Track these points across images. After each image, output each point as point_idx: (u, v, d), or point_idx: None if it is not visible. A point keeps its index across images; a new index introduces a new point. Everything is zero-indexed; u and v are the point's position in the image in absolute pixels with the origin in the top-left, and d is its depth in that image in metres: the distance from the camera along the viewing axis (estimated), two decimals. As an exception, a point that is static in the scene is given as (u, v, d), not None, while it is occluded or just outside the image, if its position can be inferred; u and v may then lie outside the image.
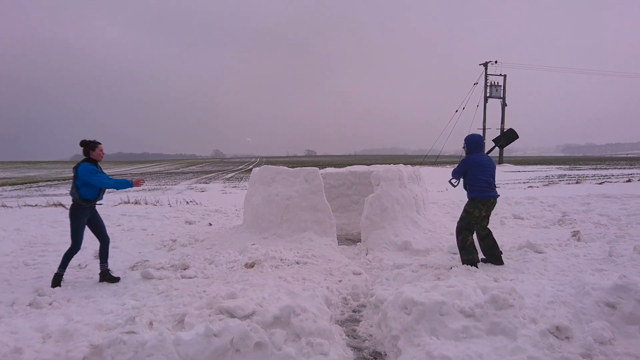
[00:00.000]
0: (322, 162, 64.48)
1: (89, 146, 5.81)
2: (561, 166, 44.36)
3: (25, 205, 14.34)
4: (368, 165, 11.52)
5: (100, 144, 5.84)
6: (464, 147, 6.50)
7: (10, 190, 24.16)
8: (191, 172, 45.68)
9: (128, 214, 11.90)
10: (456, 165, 6.60)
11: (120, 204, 14.08)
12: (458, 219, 6.41)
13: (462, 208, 6.39)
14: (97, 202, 5.97)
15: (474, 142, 6.41)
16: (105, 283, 5.88)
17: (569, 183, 20.84)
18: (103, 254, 6.03)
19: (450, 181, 6.75)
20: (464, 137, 6.54)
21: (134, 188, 6.13)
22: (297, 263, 6.62)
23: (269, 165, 9.08)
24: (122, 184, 5.78)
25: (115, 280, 5.94)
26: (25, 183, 31.38)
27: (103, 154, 5.89)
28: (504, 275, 5.57)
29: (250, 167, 53.50)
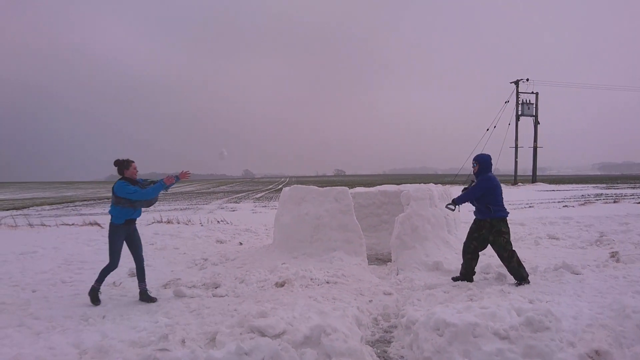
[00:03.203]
0: (351, 182, 64.43)
1: (122, 165, 5.98)
2: (598, 185, 43.20)
3: (62, 224, 14.77)
4: (397, 184, 11.47)
5: (133, 162, 6.00)
6: (474, 166, 6.57)
7: (48, 210, 24.94)
8: (222, 192, 46.28)
9: (161, 233, 12.13)
10: (468, 187, 6.58)
11: (153, 223, 14.37)
12: (500, 246, 6.33)
13: (502, 242, 6.34)
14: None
15: (488, 162, 6.53)
16: (138, 301, 5.98)
17: (606, 202, 20.26)
18: (139, 274, 6.11)
19: (449, 206, 6.69)
20: (475, 157, 6.60)
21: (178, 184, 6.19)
22: (327, 282, 6.61)
23: (299, 185, 9.14)
24: (157, 189, 5.81)
25: (153, 300, 6.01)
26: (63, 203, 32.36)
27: (137, 171, 6.03)
28: (539, 296, 5.43)
29: (280, 186, 53.88)
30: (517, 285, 6.09)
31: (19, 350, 4.19)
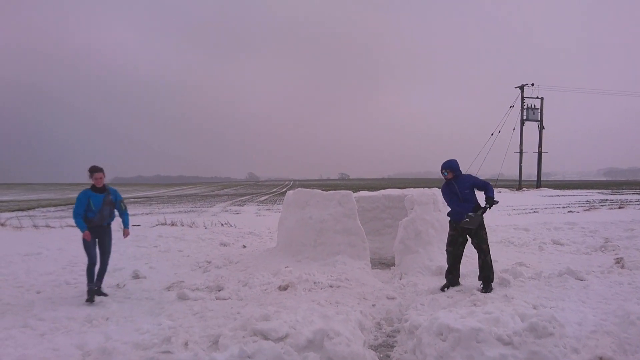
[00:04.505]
0: (355, 186, 64.35)
1: (90, 171, 6.17)
2: (603, 190, 42.98)
3: (67, 226, 14.82)
4: (401, 188, 11.46)
5: (100, 172, 6.15)
6: (446, 175, 6.46)
7: (53, 211, 25.03)
8: (226, 195, 46.33)
9: (165, 235, 12.14)
10: (479, 181, 6.54)
11: (157, 225, 14.40)
12: (481, 239, 6.33)
13: (485, 236, 6.37)
14: (104, 224, 6.25)
15: (458, 166, 6.51)
16: (142, 302, 6.03)
17: (611, 208, 20.18)
18: (100, 274, 6.27)
19: (493, 200, 6.34)
20: (444, 164, 6.48)
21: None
22: (331, 286, 6.60)
23: (303, 189, 9.14)
24: (80, 225, 6.04)
25: (103, 294, 6.22)
26: (68, 204, 32.44)
27: (101, 180, 6.17)
28: (543, 302, 5.41)
29: (284, 190, 53.89)
30: (482, 292, 6.02)
31: (23, 351, 4.22)
